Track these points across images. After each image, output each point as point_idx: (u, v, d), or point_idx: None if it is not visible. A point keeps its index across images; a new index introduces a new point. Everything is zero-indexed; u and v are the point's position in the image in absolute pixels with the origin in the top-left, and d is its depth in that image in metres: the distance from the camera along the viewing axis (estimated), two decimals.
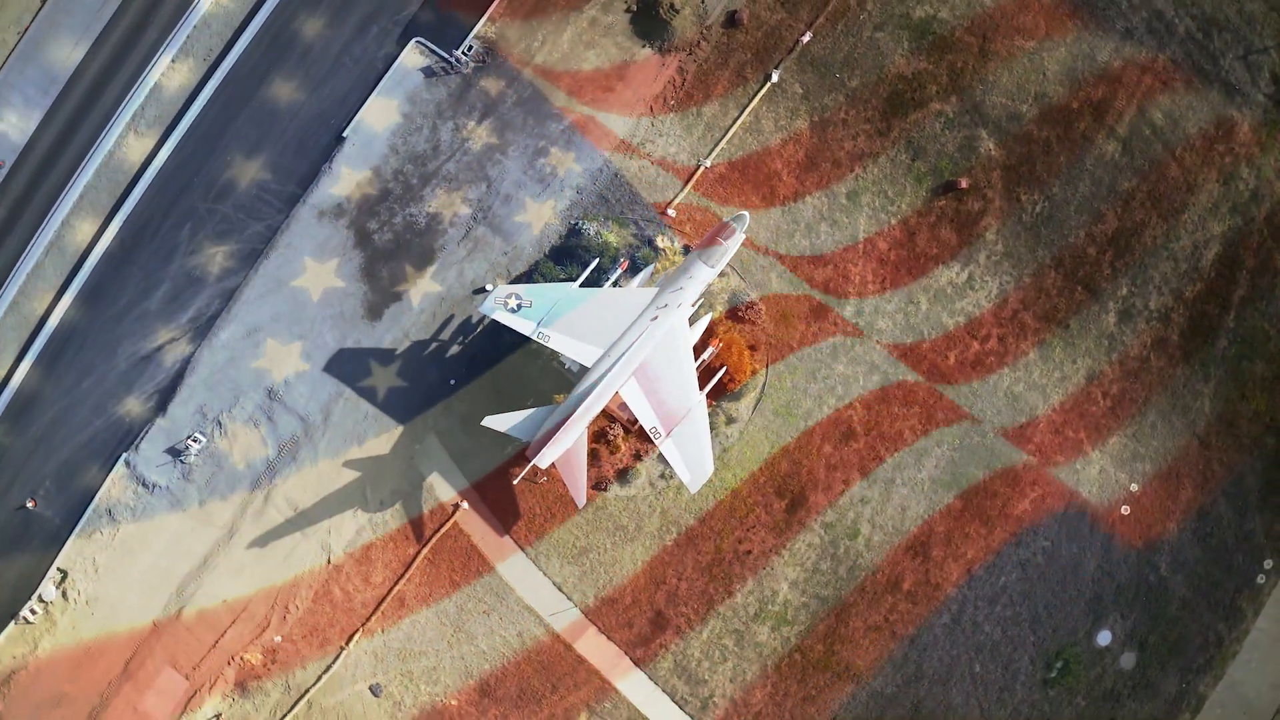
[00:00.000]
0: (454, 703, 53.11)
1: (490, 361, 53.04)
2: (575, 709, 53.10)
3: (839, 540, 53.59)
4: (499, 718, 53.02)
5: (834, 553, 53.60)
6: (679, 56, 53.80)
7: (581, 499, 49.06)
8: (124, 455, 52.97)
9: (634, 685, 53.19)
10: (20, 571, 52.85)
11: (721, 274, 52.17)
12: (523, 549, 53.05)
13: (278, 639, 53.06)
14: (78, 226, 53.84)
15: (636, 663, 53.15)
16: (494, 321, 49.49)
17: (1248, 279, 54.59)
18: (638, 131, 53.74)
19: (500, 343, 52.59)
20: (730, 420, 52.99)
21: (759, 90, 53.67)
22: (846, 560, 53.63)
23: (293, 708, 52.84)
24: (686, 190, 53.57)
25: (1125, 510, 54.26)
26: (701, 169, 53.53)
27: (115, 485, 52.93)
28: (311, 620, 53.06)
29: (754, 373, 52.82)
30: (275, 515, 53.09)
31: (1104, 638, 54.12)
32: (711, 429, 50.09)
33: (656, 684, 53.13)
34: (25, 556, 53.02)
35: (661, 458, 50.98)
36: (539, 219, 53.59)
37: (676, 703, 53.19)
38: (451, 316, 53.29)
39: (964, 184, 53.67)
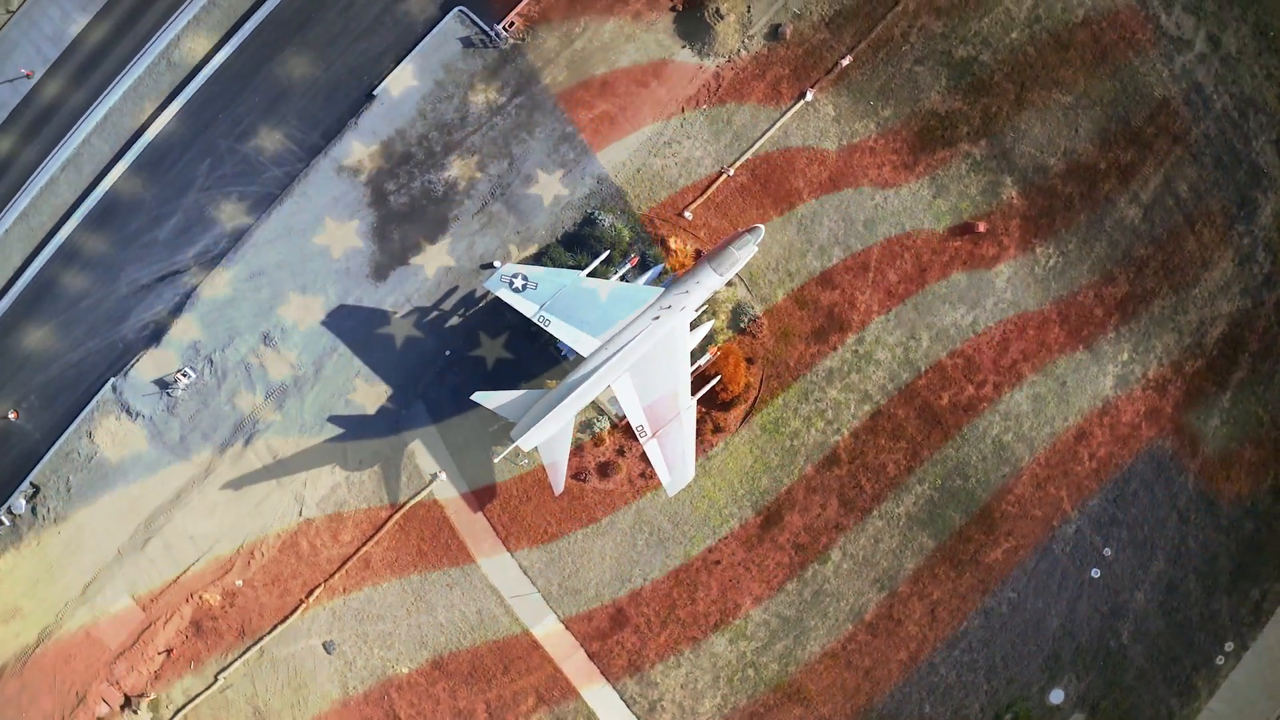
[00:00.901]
0: (404, 670, 53.49)
1: (489, 337, 53.34)
2: (524, 693, 53.51)
3: (809, 563, 53.95)
4: (447, 691, 53.41)
5: (802, 575, 53.96)
6: (717, 62, 54.05)
7: (559, 486, 49.43)
8: (112, 380, 53.28)
9: (585, 678, 53.63)
10: None
11: (729, 283, 52.48)
12: (494, 528, 53.41)
13: (239, 583, 53.40)
14: (98, 147, 54.07)
15: (591, 656, 53.54)
16: (497, 298, 49.81)
17: (1249, 362, 54.91)
18: (666, 130, 54.01)
19: (500, 320, 52.91)
20: (717, 429, 53.33)
21: (792, 106, 53.93)
22: (814, 584, 53.99)
23: (244, 652, 53.23)
24: (706, 195, 53.82)
25: (1095, 573, 54.64)
26: (724, 176, 53.79)
27: (99, 409, 53.25)
28: (275, 569, 53.41)
29: (747, 385, 53.14)
30: (254, 461, 53.41)
31: (1056, 696, 54.54)
32: (698, 436, 50.42)
33: (608, 680, 53.54)
34: (1, 469, 53.40)
35: (644, 457, 51.35)
36: (556, 203, 53.87)
37: (625, 700, 53.59)
38: (456, 287, 53.58)
39: (982, 228, 53.97)
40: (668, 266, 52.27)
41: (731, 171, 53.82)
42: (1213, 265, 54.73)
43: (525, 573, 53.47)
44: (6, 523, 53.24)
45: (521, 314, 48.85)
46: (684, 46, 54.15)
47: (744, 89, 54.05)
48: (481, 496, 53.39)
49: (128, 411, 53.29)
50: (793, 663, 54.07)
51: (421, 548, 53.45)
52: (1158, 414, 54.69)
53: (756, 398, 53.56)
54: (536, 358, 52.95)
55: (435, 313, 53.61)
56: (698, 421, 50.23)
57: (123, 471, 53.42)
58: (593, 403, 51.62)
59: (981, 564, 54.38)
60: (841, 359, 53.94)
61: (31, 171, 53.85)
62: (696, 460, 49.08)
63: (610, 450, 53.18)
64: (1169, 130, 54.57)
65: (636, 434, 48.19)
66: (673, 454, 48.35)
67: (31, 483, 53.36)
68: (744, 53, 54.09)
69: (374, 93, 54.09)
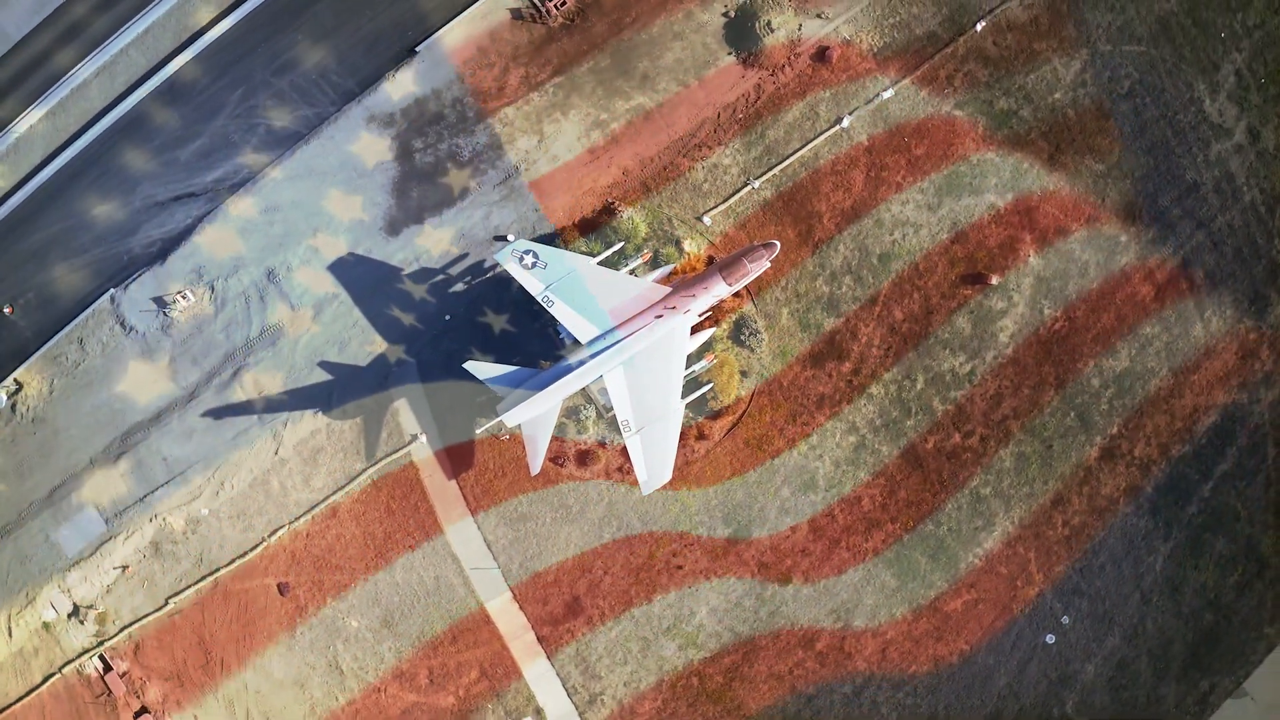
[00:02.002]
0: (354, 624, 53.96)
1: (490, 309, 53.73)
2: (469, 665, 54.01)
3: (769, 582, 54.44)
4: (393, 650, 53.90)
5: (760, 593, 54.46)
6: (760, 73, 54.44)
7: (536, 467, 49.92)
8: (112, 291, 53.67)
9: (531, 661, 54.18)
10: None
11: (735, 294, 52.90)
12: (465, 498, 53.86)
13: (204, 511, 53.83)
14: (135, 58, 54.39)
15: (540, 640, 54.07)
16: (504, 272, 50.18)
17: (1235, 455, 55.44)
18: (699, 133, 54.41)
19: (504, 294, 53.33)
20: (701, 436, 53.79)
21: (827, 130, 54.34)
22: (770, 604, 54.49)
23: (199, 581, 53.70)
24: (728, 204, 54.22)
25: (1050, 639, 55.18)
26: (749, 188, 54.19)
27: (94, 317, 53.65)
28: (243, 503, 53.85)
29: (738, 398, 53.58)
30: (239, 393, 53.82)
31: None
32: (681, 440, 50.86)
33: (553, 666, 54.06)
34: None
35: (624, 451, 51.79)
36: (579, 186, 54.23)
37: (567, 690, 54.11)
38: (466, 255, 53.98)
39: (994, 280, 54.43)
40: (678, 268, 52.67)
41: (757, 184, 54.23)
42: (1215, 355, 55.23)
43: (489, 547, 53.94)
44: None
45: (526, 291, 49.25)
46: (730, 53, 54.55)
47: (782, 105, 54.46)
48: (458, 465, 53.83)
49: (122, 324, 53.68)
50: (738, 679, 54.58)
51: (391, 506, 53.90)
52: (1137, 492, 55.21)
53: (745, 412, 54.01)
54: (534, 337, 53.38)
55: (441, 276, 54.01)
56: (683, 426, 50.63)
57: (107, 383, 53.83)
58: (582, 390, 52.06)
59: (940, 611, 54.89)
60: (835, 387, 54.40)
61: (65, 73, 54.12)
62: (676, 464, 49.47)
63: (592, 440, 53.63)
64: (1194, 214, 55.06)
65: (621, 428, 48.64)
66: (653, 453, 48.78)
67: (15, 379, 53.76)
68: (788, 69, 54.48)
69: (417, 49, 54.44)
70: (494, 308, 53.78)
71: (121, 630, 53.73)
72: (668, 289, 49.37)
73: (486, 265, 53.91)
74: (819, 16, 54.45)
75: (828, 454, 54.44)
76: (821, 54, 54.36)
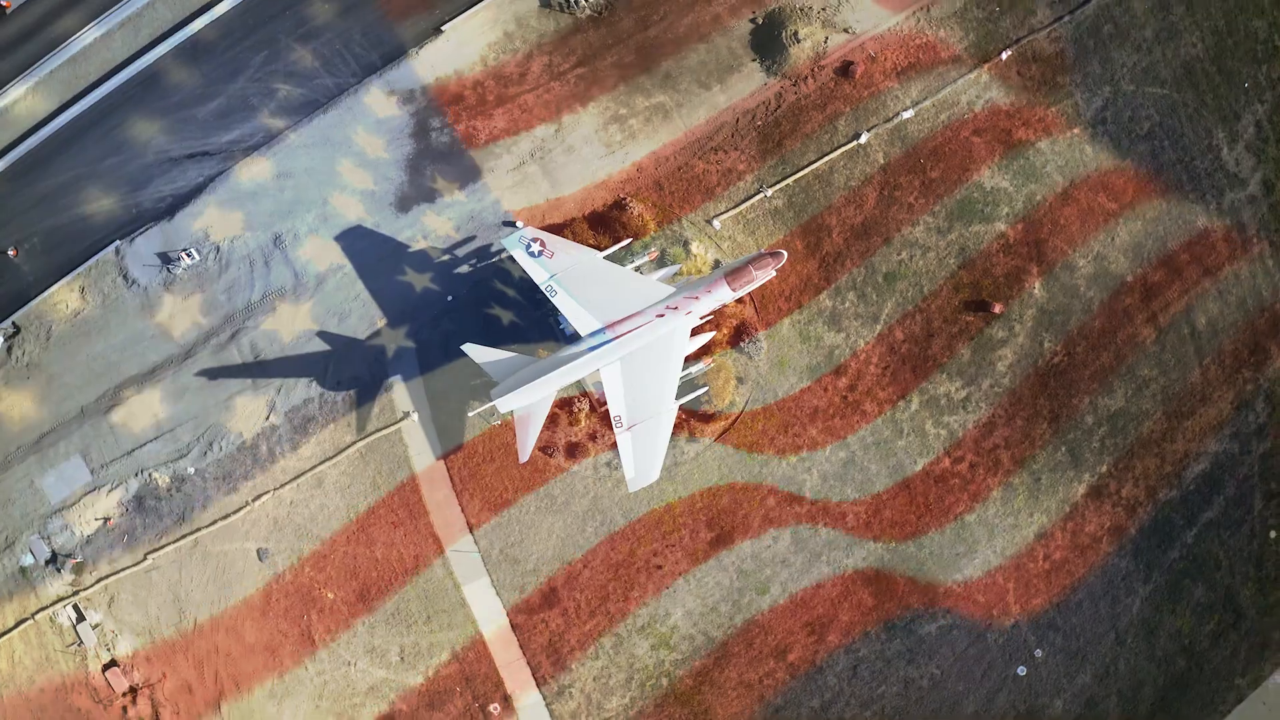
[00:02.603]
0: (329, 595, 54.18)
1: (492, 293, 53.94)
2: (440, 647, 54.26)
3: (747, 590, 54.71)
4: (366, 626, 54.14)
5: (737, 600, 54.72)
6: (783, 83, 54.68)
7: (525, 455, 50.17)
8: (118, 243, 53.88)
9: (503, 648, 54.42)
10: None
11: (738, 300, 53.13)
12: (451, 479, 54.10)
13: (191, 470, 54.04)
14: (161, 13, 54.64)
15: (514, 627, 54.33)
16: (509, 257, 50.37)
17: (1222, 504, 55.77)
18: (716, 136, 54.64)
19: (509, 279, 53.56)
20: (692, 439, 54.05)
21: (844, 145, 54.58)
22: (746, 611, 54.75)
23: (180, 539, 53.90)
24: (739, 210, 54.45)
25: (1021, 671, 55.48)
26: (761, 196, 54.42)
27: (98, 267, 53.85)
28: (230, 465, 54.05)
29: (732, 403, 53.82)
30: (235, 355, 54.03)
31: None
32: (671, 440, 51.08)
33: (524, 654, 54.30)
34: None
35: (614, 447, 52.00)
36: (591, 179, 54.44)
37: (536, 679, 54.38)
38: (474, 237, 54.20)
39: (998, 309, 54.72)
40: (684, 269, 52.88)
41: (769, 193, 54.47)
42: (1211, 403, 55.54)
43: (471, 530, 54.19)
44: None
45: (530, 279, 49.46)
46: (754, 60, 54.79)
47: (801, 115, 54.70)
48: (447, 446, 54.07)
49: (125, 277, 53.87)
50: (708, 683, 54.86)
51: (377, 481, 54.13)
52: (1121, 532, 55.51)
53: (738, 418, 54.27)
54: (535, 325, 53.61)
55: (447, 256, 54.23)
56: (675, 427, 50.86)
57: (105, 334, 54.02)
58: (577, 383, 52.29)
59: (915, 634, 55.17)
60: (830, 402, 54.65)
61: (89, 21, 54.29)
62: (665, 464, 49.68)
63: (583, 432, 53.86)
64: (1203, 261, 55.36)
65: (613, 423, 48.85)
66: (643, 451, 49.00)
67: (14, 323, 53.94)
68: (811, 80, 54.73)
69: (443, 28, 54.63)
70: (497, 293, 54.01)
71: (98, 581, 53.94)
72: (671, 289, 49.59)
73: (493, 249, 54.13)
74: (846, 31, 54.69)
75: (816, 467, 54.69)
76: (845, 69, 54.59)
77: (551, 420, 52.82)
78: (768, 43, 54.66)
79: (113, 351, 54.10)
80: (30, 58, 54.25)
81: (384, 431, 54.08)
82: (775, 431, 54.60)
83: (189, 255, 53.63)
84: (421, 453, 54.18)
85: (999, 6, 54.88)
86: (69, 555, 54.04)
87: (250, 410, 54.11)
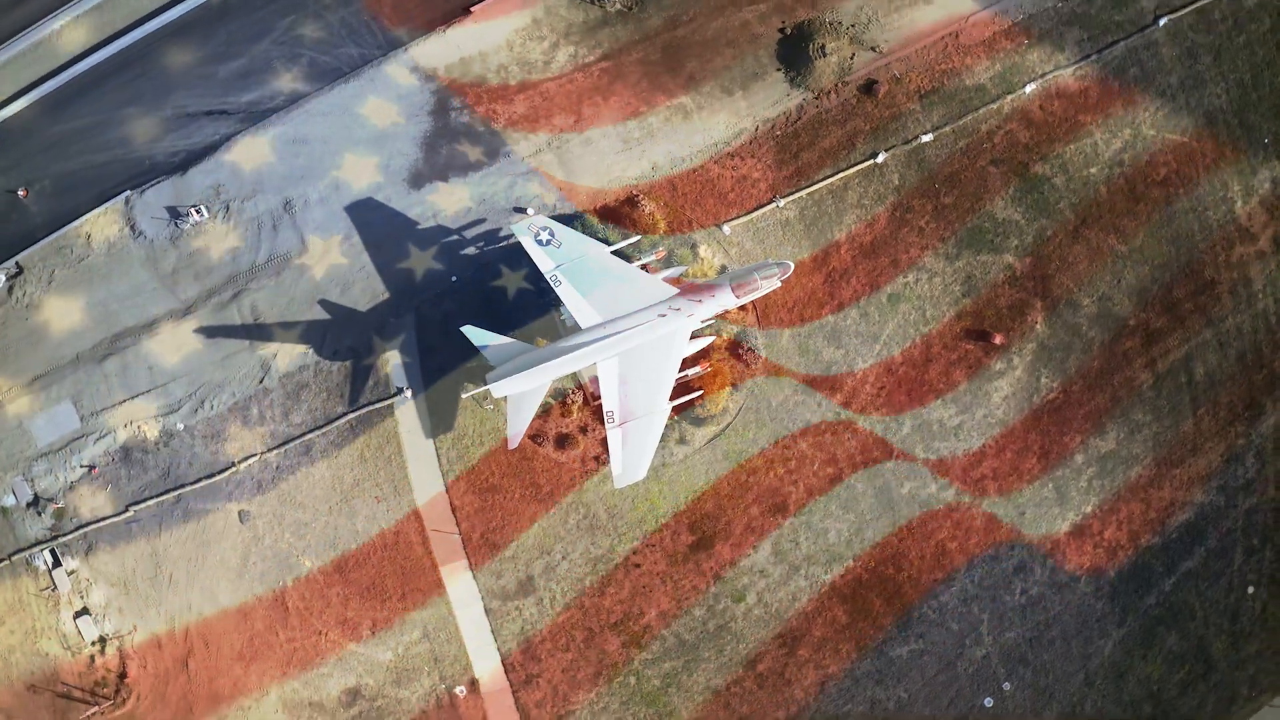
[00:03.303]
0: (307, 564, 54.50)
1: (498, 277, 54.24)
2: (412, 624, 54.65)
3: (723, 597, 55.06)
4: (340, 597, 54.45)
5: (713, 605, 55.07)
6: (805, 95, 54.99)
7: (515, 442, 50.55)
8: (128, 193, 54.15)
9: (474, 629, 54.77)
10: None
11: (741, 307, 53.44)
12: (439, 458, 54.41)
13: (180, 426, 54.33)
14: None
15: (488, 613, 54.68)
16: (517, 244, 50.68)
17: (1203, 556, 56.18)
18: (733, 142, 54.96)
19: (514, 265, 53.89)
20: (682, 441, 54.37)
21: (860, 162, 54.91)
22: (720, 618, 55.10)
23: (163, 494, 54.18)
24: (750, 217, 54.74)
25: (988, 702, 55.91)
26: (774, 205, 54.71)
27: (106, 214, 54.13)
28: (219, 425, 54.36)
29: (724, 410, 54.12)
30: (234, 315, 54.32)
31: None
32: (661, 440, 51.38)
33: (495, 639, 54.63)
34: None
35: (604, 442, 52.34)
36: (606, 173, 54.71)
37: (505, 665, 54.74)
38: (484, 220, 54.48)
39: (998, 340, 55.06)
40: (689, 270, 53.18)
41: (782, 203, 54.79)
42: (1201, 453, 55.93)
43: (454, 511, 54.48)
44: None
45: (536, 267, 49.75)
46: (778, 69, 55.08)
47: (821, 129, 55.01)
48: (437, 425, 54.37)
49: (132, 227, 54.14)
50: (675, 685, 55.21)
51: (364, 453, 54.43)
52: (1100, 574, 55.93)
53: (729, 424, 54.56)
54: (536, 313, 53.94)
55: (455, 237, 54.52)
56: (666, 427, 51.14)
57: (108, 282, 54.29)
58: (572, 375, 52.60)
59: (885, 655, 55.56)
60: (822, 416, 55.00)
61: None
62: (653, 464, 50.04)
63: (574, 425, 54.16)
64: (1206, 311, 55.72)
65: (605, 418, 49.19)
66: (632, 449, 49.34)
67: (17, 263, 54.19)
68: (834, 95, 55.04)
69: (471, 8, 54.87)
70: (501, 278, 54.27)
71: (78, 529, 54.21)
72: (675, 290, 49.93)
73: (501, 234, 54.42)
74: (873, 49, 55.00)
75: (803, 480, 55.03)
76: (869, 87, 54.90)
77: (543, 410, 53.11)
78: (794, 54, 54.94)
79: (113, 300, 54.37)
80: (55, 2, 54.36)
81: (376, 406, 54.38)
82: (766, 441, 54.93)
83: (198, 212, 53.88)
84: (412, 430, 54.47)
85: (1027, 40, 55.21)
86: (51, 499, 54.31)
87: (245, 372, 54.40)
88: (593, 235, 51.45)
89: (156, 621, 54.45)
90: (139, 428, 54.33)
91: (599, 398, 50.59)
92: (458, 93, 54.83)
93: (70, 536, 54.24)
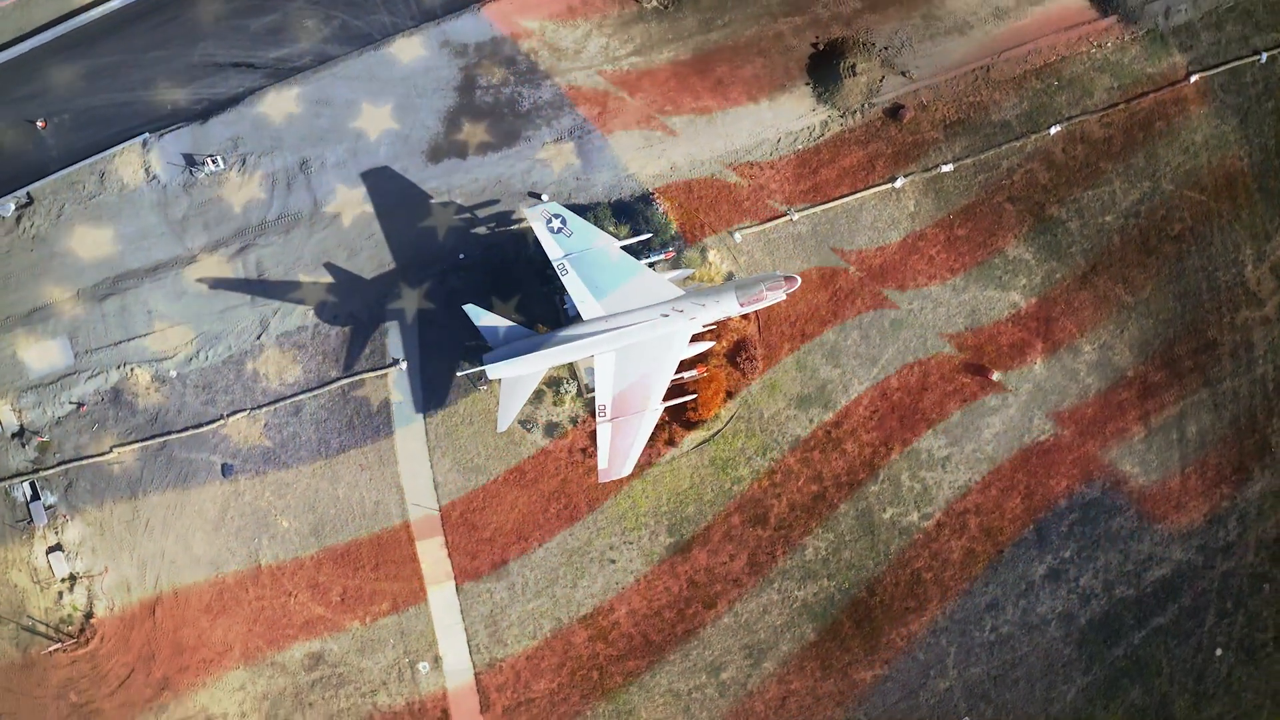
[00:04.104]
0: (285, 524, 54.77)
1: (505, 260, 54.44)
2: (383, 595, 54.90)
3: (694, 601, 55.38)
4: (314, 560, 54.75)
5: (683, 609, 55.37)
6: (830, 112, 55.27)
7: (504, 425, 50.86)
8: (146, 135, 54.36)
9: (443, 608, 55.11)
10: None
11: (745, 317, 53.68)
12: (427, 434, 54.71)
13: (173, 373, 54.57)
14: None
15: (459, 592, 55.07)
16: (528, 228, 50.90)
17: (1175, 613, 56.53)
18: (754, 151, 55.20)
19: (524, 249, 54.11)
20: (670, 442, 54.68)
21: (878, 185, 55.17)
22: (689, 622, 55.43)
23: (147, 439, 54.43)
24: (763, 228, 54.99)
25: None
26: (787, 218, 54.96)
27: (122, 155, 54.35)
28: (213, 376, 54.61)
29: (716, 415, 54.38)
30: (239, 269, 54.55)
31: None
32: (650, 440, 51.63)
33: (463, 619, 54.91)
34: (6, 164, 54.20)
35: (593, 435, 52.58)
36: (624, 168, 54.95)
37: (471, 647, 55.05)
38: (497, 201, 54.72)
39: (995, 377, 55.46)
40: (697, 274, 53.42)
41: (795, 217, 55.06)
42: (1185, 511, 56.29)
43: (436, 488, 54.74)
44: None
45: (544, 253, 50.01)
46: (807, 84, 55.33)
47: (841, 148, 55.28)
48: (430, 401, 54.64)
49: (146, 170, 54.34)
50: (636, 685, 55.51)
51: (353, 420, 54.68)
52: (1071, 620, 56.26)
53: (719, 431, 54.83)
54: (539, 300, 54.19)
55: (467, 215, 54.75)
56: (656, 427, 51.42)
57: (116, 221, 54.53)
58: (569, 365, 52.83)
59: (849, 677, 55.88)
60: (812, 433, 55.32)
61: None
62: (639, 462, 50.32)
63: (565, 415, 54.39)
64: (1205, 371, 56.05)
65: (596, 412, 49.43)
66: (620, 445, 49.68)
67: (29, 193, 54.35)
68: (858, 116, 55.28)
69: None
70: (508, 260, 54.55)
71: (60, 464, 54.45)
72: (681, 292, 50.19)
73: (514, 217, 54.66)
74: (903, 74, 55.26)
75: (786, 495, 55.32)
76: (894, 111, 55.15)
77: (536, 396, 53.34)
78: (825, 71, 55.18)
79: (120, 241, 54.58)
80: None
81: (370, 374, 54.62)
82: (754, 452, 55.20)
83: (214, 162, 54.07)
84: (403, 402, 54.74)
85: (1058, 81, 55.48)
86: (36, 432, 54.52)
87: (243, 327, 54.63)
88: (604, 228, 51.72)
89: (128, 565, 54.70)
90: (132, 370, 54.55)
91: (593, 390, 50.83)
92: (485, 72, 55.04)
93: (52, 471, 54.49)
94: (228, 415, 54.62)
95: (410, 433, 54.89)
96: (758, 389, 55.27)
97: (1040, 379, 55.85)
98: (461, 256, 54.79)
